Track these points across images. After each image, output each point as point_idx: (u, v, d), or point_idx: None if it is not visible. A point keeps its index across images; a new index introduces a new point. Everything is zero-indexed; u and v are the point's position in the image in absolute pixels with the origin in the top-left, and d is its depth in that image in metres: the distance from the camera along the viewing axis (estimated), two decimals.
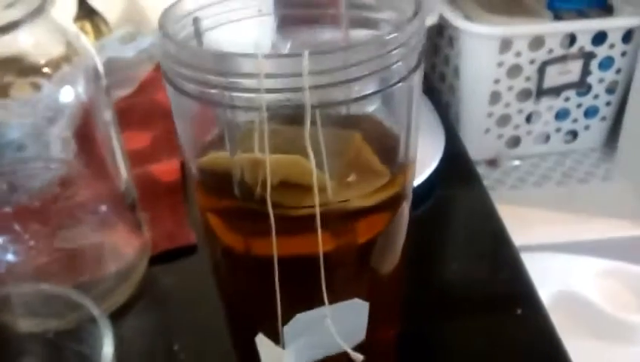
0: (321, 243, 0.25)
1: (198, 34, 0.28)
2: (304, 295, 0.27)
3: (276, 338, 0.28)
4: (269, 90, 0.23)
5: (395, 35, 0.24)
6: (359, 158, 0.29)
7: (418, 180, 0.51)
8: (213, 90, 0.24)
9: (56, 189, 0.38)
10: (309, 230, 0.25)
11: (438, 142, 0.57)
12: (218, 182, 0.28)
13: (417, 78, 0.27)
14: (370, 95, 0.25)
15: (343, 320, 0.28)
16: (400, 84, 0.25)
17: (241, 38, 0.30)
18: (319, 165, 0.25)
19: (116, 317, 0.33)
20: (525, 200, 0.84)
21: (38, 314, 0.34)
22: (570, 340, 0.40)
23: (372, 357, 0.30)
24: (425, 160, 0.53)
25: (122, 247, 0.43)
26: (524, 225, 0.69)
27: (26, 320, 0.34)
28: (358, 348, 0.29)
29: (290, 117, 0.26)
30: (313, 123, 0.23)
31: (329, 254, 0.27)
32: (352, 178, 0.28)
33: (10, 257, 0.38)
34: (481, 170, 0.89)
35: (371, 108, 0.28)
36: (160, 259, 0.45)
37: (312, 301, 0.27)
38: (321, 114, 0.24)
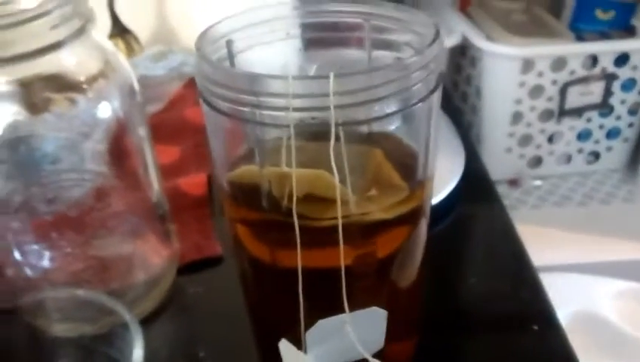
0: (343, 254, 0.26)
1: (231, 55, 0.30)
2: (326, 304, 0.28)
3: (299, 344, 0.29)
4: (296, 109, 0.24)
5: (416, 58, 0.26)
6: (380, 174, 0.30)
7: (438, 198, 0.52)
8: (244, 109, 0.25)
9: (91, 200, 0.40)
10: (331, 242, 0.26)
11: (459, 160, 0.58)
12: (247, 194, 0.30)
13: (436, 99, 0.28)
14: (391, 114, 0.26)
15: (363, 328, 0.29)
16: (420, 104, 0.27)
17: (271, 59, 0.32)
18: (342, 180, 0.26)
19: (144, 323, 0.35)
20: (546, 221, 0.84)
21: (71, 319, 0.35)
22: (589, 361, 0.41)
23: None
24: (445, 178, 0.54)
25: (152, 257, 0.44)
26: (545, 244, 0.69)
27: (61, 324, 0.35)
28: (376, 356, 0.30)
29: (315, 134, 0.27)
30: (337, 140, 0.25)
31: (350, 265, 0.28)
32: (372, 192, 0.29)
33: (46, 263, 0.40)
34: (503, 189, 0.90)
35: (392, 126, 0.29)
36: (187, 269, 0.46)
37: (334, 310, 0.28)
38: (344, 131, 0.25)
